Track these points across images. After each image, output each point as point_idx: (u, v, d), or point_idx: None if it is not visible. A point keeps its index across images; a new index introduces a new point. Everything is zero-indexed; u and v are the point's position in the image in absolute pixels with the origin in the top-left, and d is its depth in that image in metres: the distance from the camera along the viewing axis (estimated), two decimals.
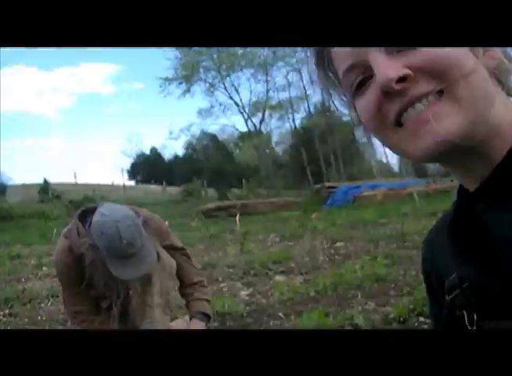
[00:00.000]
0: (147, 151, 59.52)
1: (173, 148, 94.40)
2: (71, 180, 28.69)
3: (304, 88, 33.90)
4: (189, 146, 51.66)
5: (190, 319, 2.78)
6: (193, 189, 25.93)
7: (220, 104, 34.84)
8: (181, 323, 2.88)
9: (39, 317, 4.32)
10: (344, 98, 0.76)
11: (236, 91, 33.89)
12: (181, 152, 54.92)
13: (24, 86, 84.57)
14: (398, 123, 0.66)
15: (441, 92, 0.63)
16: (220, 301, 3.97)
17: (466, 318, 0.69)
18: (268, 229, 10.84)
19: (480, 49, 0.67)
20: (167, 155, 58.02)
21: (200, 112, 36.14)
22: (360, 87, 0.69)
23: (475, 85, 0.63)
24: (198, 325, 2.72)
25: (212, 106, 35.14)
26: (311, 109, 36.45)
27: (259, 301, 4.02)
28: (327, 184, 20.39)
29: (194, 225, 12.55)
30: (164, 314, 2.70)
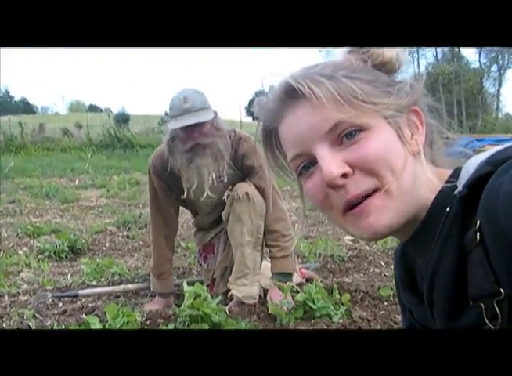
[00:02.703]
0: (266, 88, 59.58)
1: None
2: None
3: None
4: None
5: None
6: None
7: None
8: (267, 266, 2.92)
9: None
10: (290, 176, 0.87)
11: None
12: None
13: None
14: (345, 211, 0.76)
15: (376, 189, 0.74)
16: (323, 243, 4.00)
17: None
18: None
19: (408, 136, 0.78)
20: None
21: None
22: (304, 171, 0.80)
23: (405, 182, 0.74)
24: (275, 291, 2.73)
25: None
26: (439, 55, 34.43)
27: (362, 248, 4.00)
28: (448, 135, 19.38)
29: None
30: (255, 251, 2.77)
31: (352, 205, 0.75)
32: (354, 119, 0.73)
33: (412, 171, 0.76)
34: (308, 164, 0.79)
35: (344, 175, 0.73)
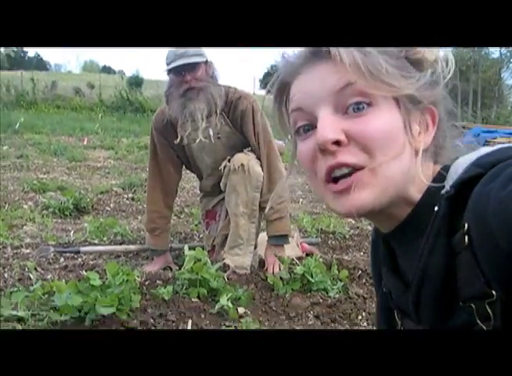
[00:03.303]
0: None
1: None
2: None
3: None
4: None
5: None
6: None
7: None
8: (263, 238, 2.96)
9: None
10: (289, 137, 0.86)
11: None
12: None
13: None
14: (327, 180, 0.76)
15: (364, 167, 0.73)
16: (326, 220, 4.01)
17: (396, 314, 0.92)
18: None
19: (416, 131, 0.77)
20: None
21: None
22: (302, 131, 0.79)
23: (393, 169, 0.74)
24: (273, 250, 2.80)
25: None
26: None
27: (364, 227, 4.01)
28: (460, 123, 19.26)
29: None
30: (249, 222, 2.80)
31: (335, 178, 0.75)
32: (367, 92, 0.72)
33: (406, 164, 0.75)
34: (308, 126, 0.78)
35: (338, 143, 0.72)
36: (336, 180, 0.75)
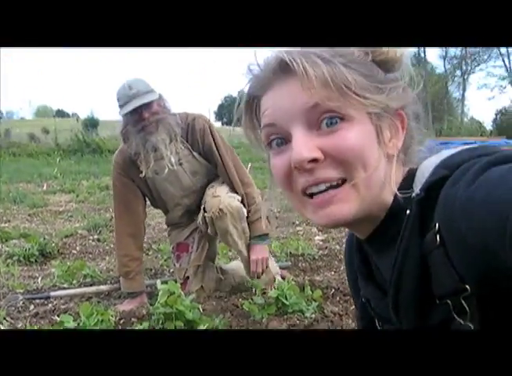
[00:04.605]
0: (235, 94, 60.22)
1: None
2: None
3: None
4: None
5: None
6: None
7: None
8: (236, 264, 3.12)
9: None
10: (261, 147, 0.85)
11: None
12: None
13: None
14: (303, 193, 0.77)
15: (343, 180, 0.75)
16: (294, 243, 4.05)
17: (376, 321, 0.95)
18: None
19: (387, 138, 0.78)
20: None
21: None
22: (275, 145, 0.79)
23: (373, 180, 0.76)
24: (258, 249, 2.90)
25: None
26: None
27: (332, 247, 4.06)
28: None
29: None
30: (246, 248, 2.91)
31: (314, 193, 0.76)
32: (338, 108, 0.73)
33: (382, 171, 0.77)
34: (281, 140, 0.78)
35: (314, 160, 0.73)
36: (313, 195, 0.76)
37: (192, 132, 2.88)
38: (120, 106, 2.72)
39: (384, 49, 0.79)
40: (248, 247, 2.90)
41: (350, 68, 0.74)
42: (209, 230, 2.86)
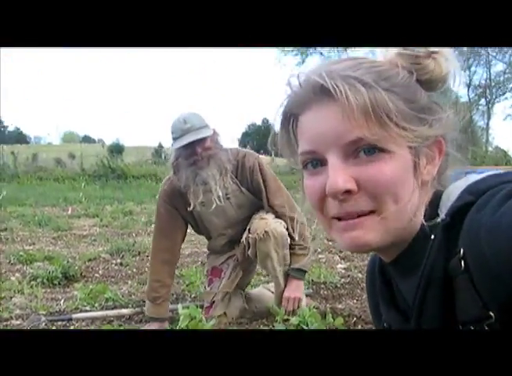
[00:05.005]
0: (259, 122, 60.62)
1: None
2: None
3: None
4: None
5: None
6: None
7: None
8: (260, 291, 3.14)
9: (146, 268, 4.60)
10: (296, 161, 0.83)
11: None
12: None
13: None
14: (332, 217, 0.77)
15: (373, 211, 0.74)
16: (316, 271, 4.02)
17: None
18: None
19: (423, 165, 0.76)
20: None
21: None
22: (310, 166, 0.78)
23: (405, 213, 0.75)
24: (294, 286, 2.89)
25: None
26: None
27: (355, 275, 4.03)
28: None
29: (299, 197, 12.57)
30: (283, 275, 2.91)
31: (342, 217, 0.76)
32: (378, 141, 0.71)
33: (415, 201, 0.76)
34: (317, 161, 0.77)
35: (348, 191, 0.72)
36: (342, 219, 0.76)
37: (242, 169, 2.91)
38: (174, 139, 2.76)
39: (431, 67, 0.77)
40: (285, 276, 2.90)
41: (393, 93, 0.73)
42: (249, 251, 2.87)
